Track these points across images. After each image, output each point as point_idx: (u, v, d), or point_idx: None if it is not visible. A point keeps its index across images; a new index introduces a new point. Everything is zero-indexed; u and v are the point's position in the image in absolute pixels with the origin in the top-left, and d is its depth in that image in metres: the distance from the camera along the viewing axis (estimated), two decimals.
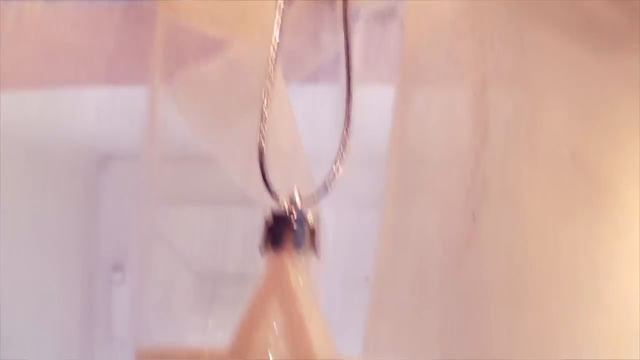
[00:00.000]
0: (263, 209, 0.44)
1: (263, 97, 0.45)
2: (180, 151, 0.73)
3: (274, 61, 0.46)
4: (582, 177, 0.45)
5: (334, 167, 0.44)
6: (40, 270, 0.94)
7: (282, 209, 0.44)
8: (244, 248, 0.68)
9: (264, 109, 0.46)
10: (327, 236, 0.47)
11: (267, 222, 0.44)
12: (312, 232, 0.44)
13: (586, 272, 0.45)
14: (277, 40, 0.46)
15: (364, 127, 0.48)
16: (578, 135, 0.46)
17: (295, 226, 0.43)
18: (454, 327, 0.45)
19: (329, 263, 0.58)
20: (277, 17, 0.46)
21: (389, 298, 0.46)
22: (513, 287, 0.45)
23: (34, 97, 0.77)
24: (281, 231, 0.44)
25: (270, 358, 0.42)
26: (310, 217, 0.44)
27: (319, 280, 0.50)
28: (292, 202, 0.44)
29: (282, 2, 0.46)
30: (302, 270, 0.43)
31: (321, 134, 0.55)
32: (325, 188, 0.45)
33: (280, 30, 0.46)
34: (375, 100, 0.52)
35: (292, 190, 0.44)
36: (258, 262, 0.43)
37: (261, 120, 0.45)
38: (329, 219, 0.55)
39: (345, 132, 0.44)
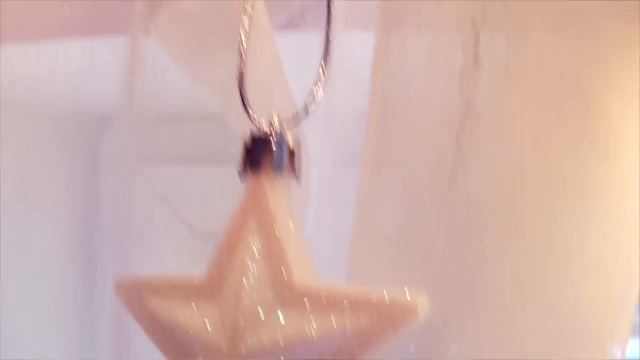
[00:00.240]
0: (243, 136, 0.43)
1: (244, 19, 0.44)
2: (174, 110, 0.73)
3: None
4: (571, 100, 0.44)
5: (314, 89, 0.43)
6: (40, 234, 0.94)
7: (261, 131, 0.43)
8: None
9: (244, 35, 0.45)
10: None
11: (245, 145, 0.43)
12: (292, 155, 0.43)
13: (575, 199, 0.43)
14: None
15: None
16: (566, 59, 0.44)
17: (274, 148, 0.42)
18: (440, 255, 0.44)
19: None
20: None
21: (372, 231, 0.45)
22: (501, 215, 0.44)
23: (30, 52, 0.76)
24: (260, 153, 0.42)
25: (246, 282, 0.41)
26: (289, 139, 0.43)
27: (301, 204, 0.49)
28: (271, 125, 0.43)
29: None
30: (281, 193, 0.42)
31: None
32: (305, 111, 0.43)
33: None
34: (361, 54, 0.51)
35: (271, 114, 0.43)
36: None
37: (241, 45, 0.44)
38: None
39: (324, 53, 0.43)
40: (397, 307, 0.38)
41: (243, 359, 0.40)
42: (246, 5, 0.45)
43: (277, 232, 0.41)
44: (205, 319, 0.41)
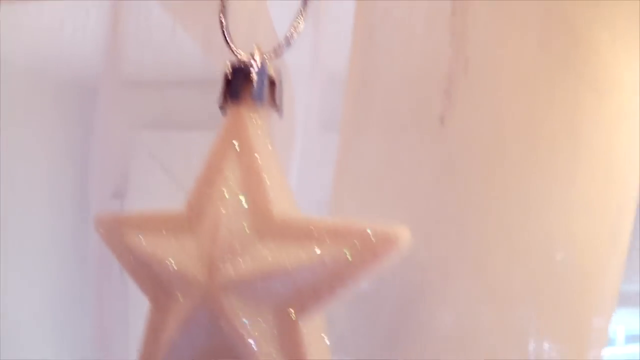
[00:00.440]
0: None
1: None
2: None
3: None
4: (560, 36, 0.43)
5: (294, 21, 0.42)
6: (35, 201, 0.93)
7: (242, 62, 0.42)
8: None
9: None
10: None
11: (225, 76, 0.42)
12: (273, 85, 0.42)
13: (563, 136, 0.42)
14: None
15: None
16: None
17: (254, 79, 0.41)
18: (426, 194, 0.43)
19: None
20: None
21: (355, 169, 0.44)
22: (488, 153, 0.43)
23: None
24: (239, 84, 0.41)
25: (224, 214, 0.40)
26: (270, 69, 0.42)
27: (285, 140, 0.48)
28: (252, 56, 0.42)
29: None
30: (261, 124, 0.41)
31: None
32: (287, 42, 0.42)
33: None
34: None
35: (253, 45, 0.42)
36: None
37: None
38: None
39: None
40: (378, 237, 0.37)
41: (220, 290, 0.39)
42: None
43: (256, 163, 0.40)
44: (183, 252, 0.41)
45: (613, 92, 0.42)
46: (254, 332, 0.39)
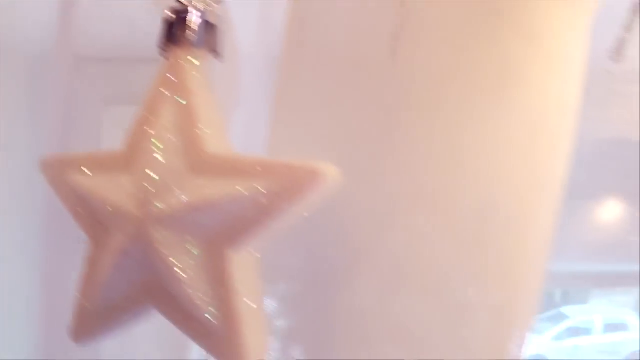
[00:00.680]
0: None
1: None
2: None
3: None
4: None
5: None
6: None
7: (182, 6, 0.43)
8: None
9: None
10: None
11: (166, 20, 0.43)
12: (212, 29, 0.43)
13: (497, 81, 0.43)
14: None
15: None
16: None
17: (192, 23, 0.42)
18: (361, 141, 0.44)
19: None
20: None
21: (293, 100, 0.45)
22: (426, 95, 0.44)
23: None
24: (178, 27, 0.43)
25: (158, 151, 0.41)
26: (210, 14, 0.43)
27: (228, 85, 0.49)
28: (192, 1, 0.43)
29: None
30: (198, 67, 0.42)
31: None
32: None
33: None
34: None
35: None
36: None
37: None
38: None
39: None
40: (304, 173, 0.39)
41: (152, 224, 0.40)
42: None
43: (191, 103, 0.41)
44: (120, 188, 0.42)
45: (543, 38, 0.43)
46: (183, 264, 0.40)
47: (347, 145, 0.43)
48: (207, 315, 0.40)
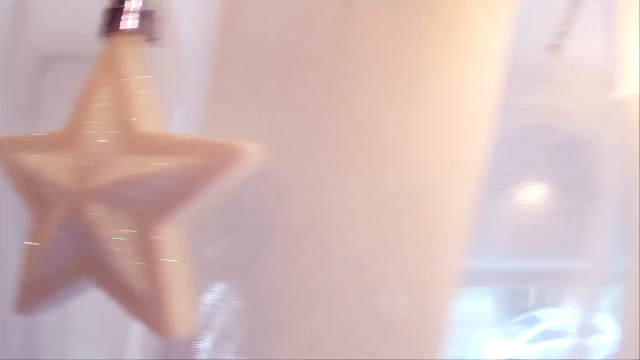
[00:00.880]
0: None
1: None
2: None
3: None
4: None
5: None
6: None
7: None
8: None
9: None
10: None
11: (106, 7, 0.46)
12: (150, 17, 0.45)
13: (417, 69, 0.46)
14: None
15: None
16: None
17: (131, 10, 0.45)
18: (286, 122, 0.46)
19: None
20: None
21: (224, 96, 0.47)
22: (356, 82, 0.46)
23: None
24: (117, 15, 0.45)
25: (96, 130, 0.43)
26: (148, 3, 0.45)
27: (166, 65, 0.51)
28: None
29: None
30: (135, 52, 0.45)
31: None
32: None
33: None
34: None
35: None
36: None
37: None
38: None
39: None
40: (227, 150, 0.41)
41: (87, 199, 0.43)
42: None
43: (127, 86, 0.44)
44: (60, 166, 0.44)
45: (462, 30, 0.45)
46: (116, 237, 0.42)
47: (276, 129, 0.45)
48: (138, 287, 0.42)
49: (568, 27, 0.53)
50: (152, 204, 0.42)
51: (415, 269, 0.44)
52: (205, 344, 0.46)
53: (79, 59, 0.66)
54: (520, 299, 0.99)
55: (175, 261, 0.42)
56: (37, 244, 0.45)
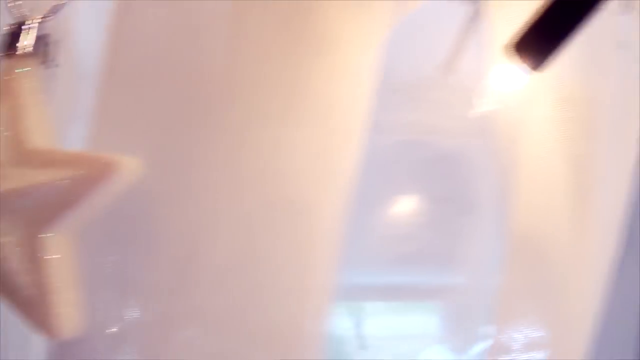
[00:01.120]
0: None
1: None
2: None
3: None
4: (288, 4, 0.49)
5: None
6: None
7: (19, 17, 0.49)
8: None
9: None
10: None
11: (5, 31, 0.49)
12: (45, 40, 0.49)
13: (289, 86, 0.49)
14: None
15: None
16: None
17: (28, 34, 0.49)
18: (164, 138, 0.49)
19: None
20: None
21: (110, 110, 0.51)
22: (236, 99, 0.49)
23: None
24: (14, 38, 0.49)
25: None
26: (45, 25, 0.49)
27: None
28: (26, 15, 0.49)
29: None
30: (30, 74, 0.49)
31: None
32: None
33: None
34: None
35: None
36: None
37: None
38: None
39: None
40: (104, 163, 0.45)
41: None
42: None
43: (20, 105, 0.48)
44: None
45: (331, 51, 0.49)
46: (4, 242, 0.46)
47: (158, 144, 0.49)
48: (25, 290, 0.46)
49: (457, 53, 0.57)
50: (38, 212, 0.46)
51: (286, 280, 0.48)
52: (96, 344, 0.49)
53: None
54: (466, 314, 1.00)
55: (59, 265, 0.46)
56: None
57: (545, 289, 0.55)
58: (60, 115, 0.51)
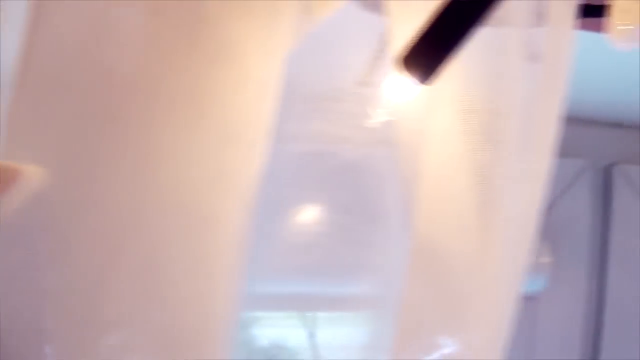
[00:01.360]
0: None
1: None
2: None
3: None
4: (190, 15, 0.50)
5: None
6: None
7: None
8: None
9: None
10: None
11: None
12: None
13: (185, 101, 0.49)
14: None
15: None
16: None
17: None
18: (82, 139, 0.49)
19: None
20: None
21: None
22: (137, 108, 0.49)
23: None
24: None
25: None
26: None
27: None
28: None
29: None
30: None
31: None
32: None
33: None
34: None
35: None
36: None
37: None
38: None
39: None
40: (5, 172, 0.45)
41: None
42: None
43: None
44: None
45: (235, 61, 0.49)
46: None
47: (66, 153, 0.49)
48: None
49: (373, 67, 0.58)
50: None
51: (189, 289, 0.48)
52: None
53: None
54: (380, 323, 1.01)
55: None
56: None
57: (448, 300, 0.56)
58: None
